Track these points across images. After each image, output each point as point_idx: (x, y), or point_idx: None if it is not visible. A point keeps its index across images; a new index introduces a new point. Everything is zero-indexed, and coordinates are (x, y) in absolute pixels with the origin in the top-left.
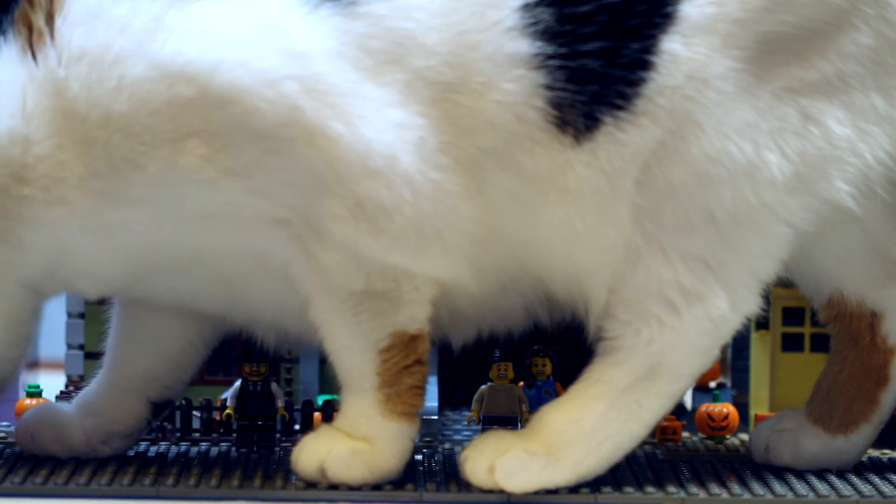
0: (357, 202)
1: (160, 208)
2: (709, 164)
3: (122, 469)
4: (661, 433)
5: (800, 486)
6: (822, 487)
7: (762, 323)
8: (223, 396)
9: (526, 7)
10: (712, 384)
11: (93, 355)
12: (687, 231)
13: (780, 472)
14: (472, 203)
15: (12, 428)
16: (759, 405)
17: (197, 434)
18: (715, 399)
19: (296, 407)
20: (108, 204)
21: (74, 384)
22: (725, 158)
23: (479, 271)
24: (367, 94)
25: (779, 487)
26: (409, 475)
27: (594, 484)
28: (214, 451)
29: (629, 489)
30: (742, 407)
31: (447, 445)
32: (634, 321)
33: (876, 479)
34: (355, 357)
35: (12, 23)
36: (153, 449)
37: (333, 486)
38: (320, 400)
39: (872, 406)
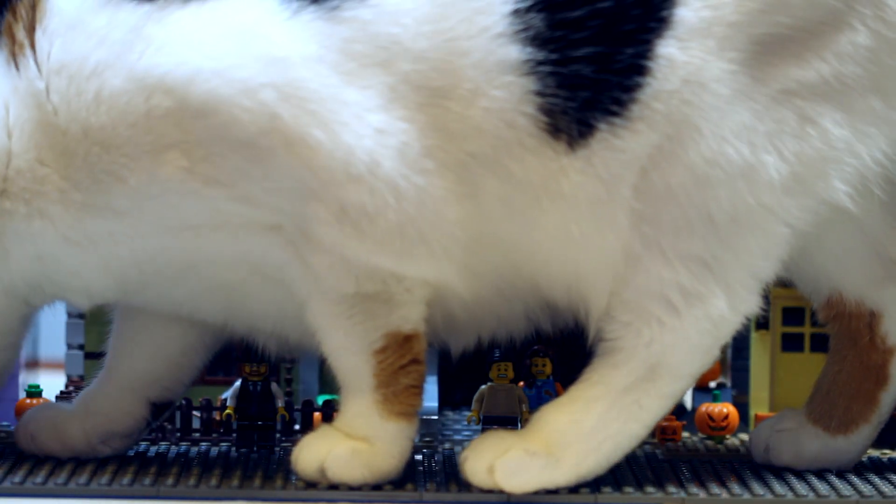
0: (341, 207)
1: (145, 220)
2: (706, 167)
3: (122, 469)
4: (661, 433)
5: (800, 486)
6: (822, 487)
7: (762, 323)
8: (223, 396)
9: (516, 13)
10: (712, 384)
11: (93, 355)
12: (686, 233)
13: (780, 472)
14: (460, 207)
15: (12, 428)
16: (759, 405)
17: (197, 434)
18: (715, 399)
19: (296, 407)
20: (91, 216)
21: (74, 384)
22: (723, 161)
23: (472, 276)
24: (347, 99)
25: (779, 487)
26: (409, 475)
27: (594, 484)
28: (214, 451)
29: (629, 489)
30: (742, 407)
31: (447, 445)
32: (634, 322)
33: (876, 479)
34: (351, 359)
35: None
36: (153, 449)
37: (333, 486)
38: (320, 400)
39: (872, 406)
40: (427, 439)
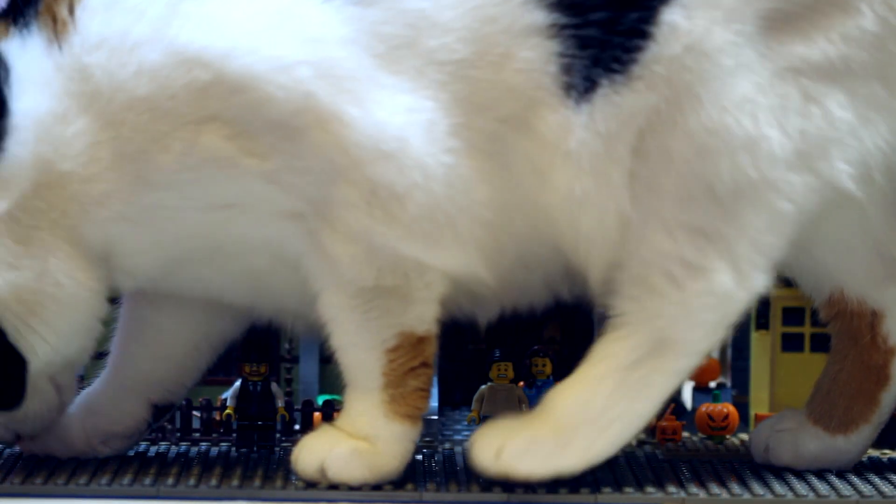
0: (371, 188)
1: (185, 194)
2: (707, 136)
3: (122, 469)
4: (661, 433)
5: (800, 486)
6: (822, 487)
7: (762, 323)
8: (223, 396)
9: None
10: (712, 384)
11: (94, 355)
12: (687, 203)
13: (780, 472)
14: (488, 185)
15: None
16: (759, 405)
17: (197, 434)
18: (715, 399)
19: (296, 407)
20: (142, 187)
21: None
22: (723, 131)
23: (497, 253)
24: (380, 80)
25: (779, 487)
26: (409, 475)
27: (594, 484)
28: (214, 451)
29: (629, 489)
30: (742, 407)
31: (447, 445)
32: (639, 296)
33: (876, 479)
34: (362, 355)
35: (37, 15)
36: (153, 449)
37: (333, 486)
38: (320, 400)
39: (872, 406)
40: (427, 439)
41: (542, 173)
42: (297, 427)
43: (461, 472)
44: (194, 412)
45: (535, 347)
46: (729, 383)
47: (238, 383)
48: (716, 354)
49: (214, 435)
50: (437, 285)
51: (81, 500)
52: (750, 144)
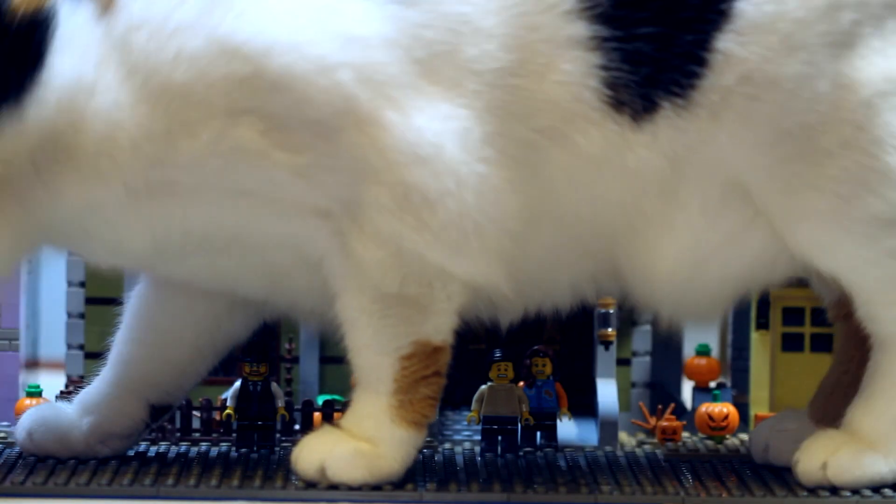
0: (403, 191)
1: (207, 177)
2: None
3: (122, 469)
4: (661, 433)
5: (800, 487)
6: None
7: (762, 323)
8: (223, 396)
9: None
10: (712, 384)
11: (93, 355)
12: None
13: (780, 472)
14: (517, 195)
15: (12, 428)
16: (759, 405)
17: (197, 434)
18: (715, 399)
19: (296, 407)
20: (155, 167)
21: (74, 384)
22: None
23: (521, 259)
24: (419, 87)
25: (779, 487)
26: (409, 475)
27: (594, 484)
28: (214, 451)
29: (629, 489)
30: (742, 407)
31: (447, 445)
32: (886, 313)
33: None
34: (375, 358)
35: None
36: (153, 449)
37: (333, 487)
38: (320, 400)
39: None
40: (427, 439)
41: (584, 185)
42: (297, 427)
43: (461, 472)
44: (194, 412)
45: (535, 347)
46: (729, 383)
47: (238, 383)
48: (716, 354)
49: (214, 435)
50: (458, 297)
51: (81, 500)
52: None
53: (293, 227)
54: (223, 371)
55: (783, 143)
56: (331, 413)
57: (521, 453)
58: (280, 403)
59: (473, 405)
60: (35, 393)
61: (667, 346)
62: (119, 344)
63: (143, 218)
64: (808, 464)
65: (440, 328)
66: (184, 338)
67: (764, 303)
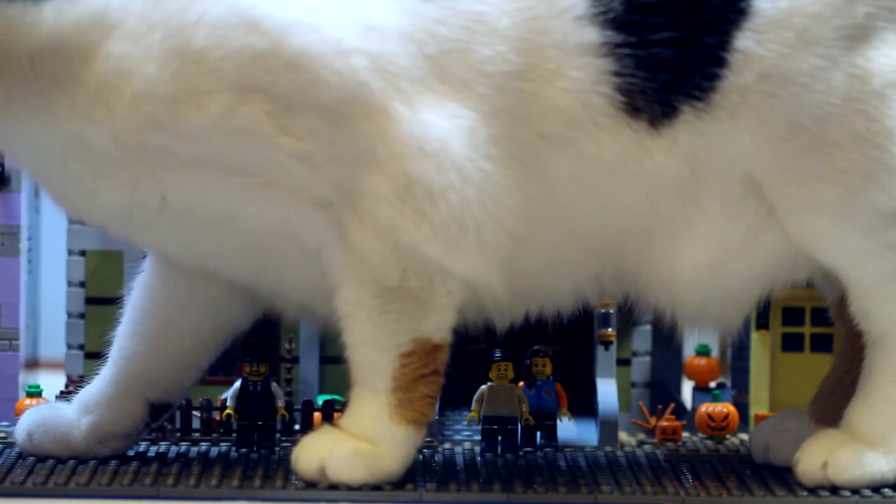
0: (406, 183)
1: (205, 150)
2: None
3: (122, 469)
4: (661, 433)
5: (799, 487)
6: (821, 488)
7: (762, 323)
8: (223, 396)
9: None
10: (712, 384)
11: (93, 355)
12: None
13: (780, 472)
14: (519, 196)
15: (12, 428)
16: (759, 405)
17: (197, 434)
18: (715, 399)
19: (296, 407)
20: (152, 129)
21: (74, 384)
22: None
23: (520, 260)
24: (430, 84)
25: (779, 487)
26: (409, 475)
27: (594, 484)
28: (214, 451)
29: (629, 489)
30: (742, 407)
31: (447, 445)
32: (881, 309)
33: None
34: (374, 356)
35: None
36: (153, 449)
37: (333, 486)
38: (320, 400)
39: None
40: (427, 439)
41: (591, 190)
42: (297, 427)
43: (461, 472)
44: (194, 412)
45: (535, 347)
46: (729, 383)
47: (238, 383)
48: (716, 354)
49: (214, 435)
50: (458, 293)
51: (81, 500)
52: None
53: (288, 212)
54: (223, 371)
55: (796, 135)
56: (331, 413)
57: (521, 453)
58: (280, 403)
59: (473, 405)
60: (35, 393)
61: (667, 346)
62: (119, 339)
63: (127, 175)
64: (808, 463)
65: (440, 325)
66: (185, 325)
67: (764, 303)
